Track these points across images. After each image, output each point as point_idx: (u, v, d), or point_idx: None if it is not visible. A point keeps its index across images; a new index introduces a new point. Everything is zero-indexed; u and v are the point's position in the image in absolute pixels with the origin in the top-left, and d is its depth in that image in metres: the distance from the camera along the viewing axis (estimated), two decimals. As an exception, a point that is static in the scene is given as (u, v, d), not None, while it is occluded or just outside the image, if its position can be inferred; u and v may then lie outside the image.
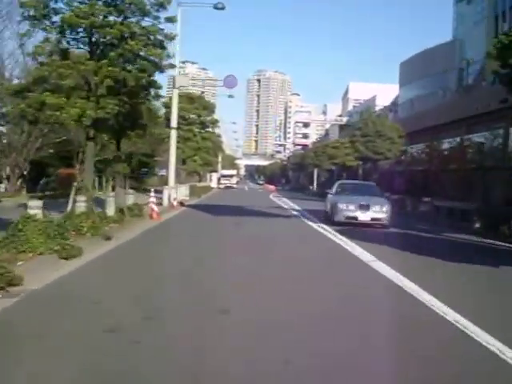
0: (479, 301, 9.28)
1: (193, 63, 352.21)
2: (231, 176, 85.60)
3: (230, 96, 59.03)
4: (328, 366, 5.50)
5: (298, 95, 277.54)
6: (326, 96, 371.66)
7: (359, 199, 23.52)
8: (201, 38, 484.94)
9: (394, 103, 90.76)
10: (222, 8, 33.01)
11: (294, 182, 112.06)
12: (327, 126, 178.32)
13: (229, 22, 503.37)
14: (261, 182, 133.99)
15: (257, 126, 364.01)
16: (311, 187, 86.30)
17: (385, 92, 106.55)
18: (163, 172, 54.02)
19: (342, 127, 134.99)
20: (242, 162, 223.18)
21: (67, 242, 11.44)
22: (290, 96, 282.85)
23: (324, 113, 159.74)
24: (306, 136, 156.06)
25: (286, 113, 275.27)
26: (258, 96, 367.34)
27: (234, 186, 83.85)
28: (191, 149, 55.54)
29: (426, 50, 73.94)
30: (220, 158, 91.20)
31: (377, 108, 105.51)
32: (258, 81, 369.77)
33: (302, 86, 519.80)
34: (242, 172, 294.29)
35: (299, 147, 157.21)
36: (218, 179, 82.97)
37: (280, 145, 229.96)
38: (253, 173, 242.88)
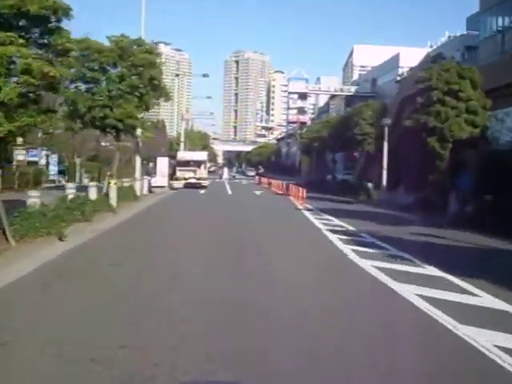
0: None
1: (166, 44, 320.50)
2: (197, 164, 45.90)
3: (205, 75, 61.76)
4: None
5: (282, 73, 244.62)
6: (315, 72, 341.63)
7: None
8: (175, 18, 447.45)
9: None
10: None
11: (310, 173, 76.45)
12: (319, 101, 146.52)
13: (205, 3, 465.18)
14: (251, 174, 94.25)
15: (235, 110, 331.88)
16: (370, 187, 39.34)
17: (405, 54, 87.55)
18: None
19: (347, 99, 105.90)
20: (220, 148, 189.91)
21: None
22: (273, 74, 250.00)
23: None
24: (302, 110, 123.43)
25: (268, 93, 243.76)
26: (237, 79, 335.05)
27: (204, 183, 45.33)
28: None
29: None
30: (182, 129, 58.22)
31: (400, 71, 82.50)
32: (237, 62, 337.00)
33: (286, 64, 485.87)
34: (220, 160, 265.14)
35: (294, 126, 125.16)
36: (173, 170, 46.22)
37: (264, 127, 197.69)
38: (233, 160, 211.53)
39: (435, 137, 25.40)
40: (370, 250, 13.46)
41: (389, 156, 35.52)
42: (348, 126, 44.62)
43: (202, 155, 47.59)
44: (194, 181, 44.27)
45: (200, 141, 78.05)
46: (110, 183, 23.93)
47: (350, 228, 18.52)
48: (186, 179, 44.09)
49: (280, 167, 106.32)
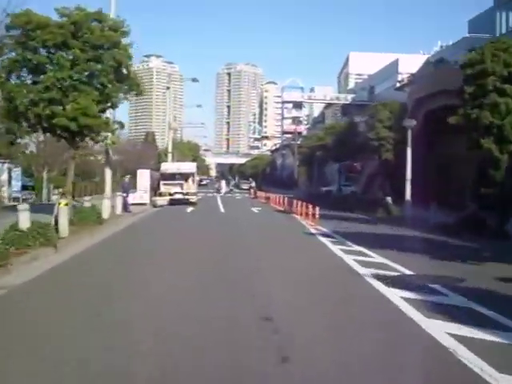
0: None
1: (158, 57, 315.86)
2: (185, 177, 39.32)
3: (194, 80, 59.57)
4: None
5: (275, 84, 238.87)
6: (309, 82, 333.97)
7: None
8: (166, 30, 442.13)
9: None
10: None
11: (310, 185, 69.74)
12: (314, 111, 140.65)
13: (197, 14, 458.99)
14: (245, 187, 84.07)
15: (228, 123, 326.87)
16: (389, 201, 32.43)
17: (404, 60, 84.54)
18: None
19: (344, 108, 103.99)
20: (213, 161, 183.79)
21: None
22: (265, 85, 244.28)
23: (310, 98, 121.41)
24: (297, 120, 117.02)
25: (261, 104, 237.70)
26: (229, 91, 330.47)
27: (192, 198, 38.67)
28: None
29: None
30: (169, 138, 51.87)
31: (400, 77, 77.79)
32: (229, 74, 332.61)
33: (279, 75, 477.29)
34: (213, 173, 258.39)
35: (289, 136, 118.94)
36: (157, 184, 38.70)
37: (256, 139, 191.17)
38: (225, 173, 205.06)
39: (491, 137, 18.98)
40: (495, 339, 6.92)
41: (412, 165, 29.19)
42: (355, 132, 38.53)
43: (189, 167, 40.86)
44: (180, 196, 37.69)
45: (190, 151, 71.59)
46: (60, 204, 17.45)
47: (406, 271, 12.01)
48: (171, 195, 37.53)
49: (275, 180, 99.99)
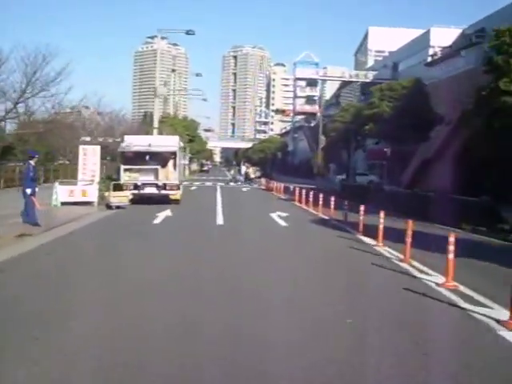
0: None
1: (162, 38, 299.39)
2: (161, 159, 23.70)
3: (198, 74, 63.65)
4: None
5: (283, 65, 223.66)
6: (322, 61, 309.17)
7: None
8: (171, 11, 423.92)
9: None
10: None
11: (333, 174, 53.54)
12: (327, 92, 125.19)
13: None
14: (252, 176, 65.31)
15: (233, 107, 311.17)
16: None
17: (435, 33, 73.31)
18: None
19: (364, 87, 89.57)
20: (217, 145, 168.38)
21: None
22: (273, 67, 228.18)
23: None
24: (311, 100, 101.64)
25: (268, 87, 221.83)
26: (235, 74, 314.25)
27: (174, 194, 23.33)
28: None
29: None
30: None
31: (431, 51, 70.30)
32: (235, 58, 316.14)
33: (288, 57, 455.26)
34: (217, 158, 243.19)
35: (301, 118, 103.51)
36: (117, 171, 25.07)
37: (264, 123, 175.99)
38: (230, 159, 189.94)
39: None
40: None
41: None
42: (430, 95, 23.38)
43: (169, 143, 24.69)
44: (152, 190, 22.58)
45: (185, 130, 56.48)
46: None
47: None
48: (137, 187, 22.46)
49: (288, 166, 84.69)
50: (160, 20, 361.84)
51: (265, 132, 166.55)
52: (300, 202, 26.00)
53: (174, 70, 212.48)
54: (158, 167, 22.82)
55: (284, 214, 20.22)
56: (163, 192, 22.62)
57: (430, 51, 78.02)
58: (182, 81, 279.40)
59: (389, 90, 28.06)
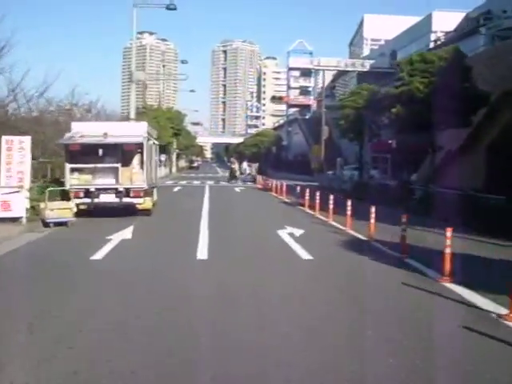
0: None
1: (151, 34, 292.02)
2: (120, 154, 16.56)
3: (184, 62, 52.27)
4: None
5: (274, 59, 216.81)
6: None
7: None
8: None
9: None
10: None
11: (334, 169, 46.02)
12: (319, 82, 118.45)
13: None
14: (247, 171, 58.51)
15: (224, 102, 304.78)
16: None
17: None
18: None
19: (361, 77, 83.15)
20: (207, 140, 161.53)
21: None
22: (264, 61, 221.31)
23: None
24: (305, 91, 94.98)
25: (259, 81, 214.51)
26: (225, 69, 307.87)
27: (141, 202, 16.27)
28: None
29: None
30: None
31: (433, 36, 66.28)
32: (224, 52, 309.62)
33: (277, 52, 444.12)
34: (208, 154, 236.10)
35: (295, 110, 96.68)
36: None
37: (256, 117, 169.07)
38: (221, 154, 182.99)
39: None
40: None
41: None
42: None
43: (133, 131, 17.09)
44: (111, 198, 15.73)
45: (170, 122, 49.66)
46: None
47: None
48: (89, 195, 15.81)
49: (282, 162, 77.87)
50: (149, 15, 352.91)
51: (256, 127, 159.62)
52: (312, 208, 19.39)
53: (164, 66, 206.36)
54: (118, 166, 16.11)
55: (298, 232, 13.64)
56: (126, 200, 15.91)
57: (432, 36, 72.27)
58: (172, 74, 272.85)
59: (422, 61, 21.48)
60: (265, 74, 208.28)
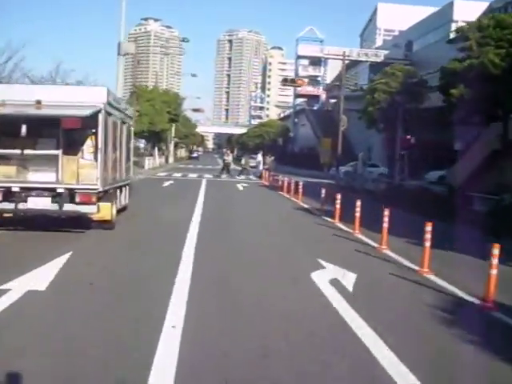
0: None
1: (156, 20, 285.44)
2: (67, 136, 10.57)
3: (185, 40, 42.56)
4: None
5: (281, 49, 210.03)
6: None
7: None
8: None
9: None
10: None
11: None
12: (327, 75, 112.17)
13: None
14: (252, 164, 47.00)
15: (227, 92, 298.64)
16: None
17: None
18: None
19: (373, 68, 74.28)
20: (209, 130, 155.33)
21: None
22: (270, 50, 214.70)
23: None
24: (314, 81, 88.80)
25: (264, 71, 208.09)
26: (230, 59, 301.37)
27: (93, 211, 10.36)
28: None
29: None
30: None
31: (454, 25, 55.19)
32: (230, 42, 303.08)
33: (284, 42, 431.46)
34: (210, 145, 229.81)
35: (302, 100, 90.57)
36: None
37: (260, 108, 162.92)
38: (223, 145, 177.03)
39: None
40: None
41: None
42: None
43: (82, 99, 10.30)
44: (47, 203, 9.97)
45: (166, 106, 43.68)
46: None
47: None
48: (9, 196, 9.94)
49: (288, 155, 71.75)
50: (154, 1, 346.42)
51: (260, 118, 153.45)
52: (347, 222, 13.53)
53: (167, 54, 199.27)
54: (59, 153, 10.18)
55: (348, 278, 7.73)
56: (68, 208, 10.02)
57: (453, 26, 66.45)
58: (176, 62, 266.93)
59: (497, 26, 15.56)
60: (270, 64, 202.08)
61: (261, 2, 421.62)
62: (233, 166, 40.55)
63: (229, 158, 38.03)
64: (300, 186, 22.11)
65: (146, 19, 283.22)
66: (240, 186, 28.10)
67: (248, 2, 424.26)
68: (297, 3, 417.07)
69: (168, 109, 44.28)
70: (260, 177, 36.68)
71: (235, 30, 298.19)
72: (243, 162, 38.60)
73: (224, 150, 70.32)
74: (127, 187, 13.80)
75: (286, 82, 39.50)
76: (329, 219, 15.22)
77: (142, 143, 15.30)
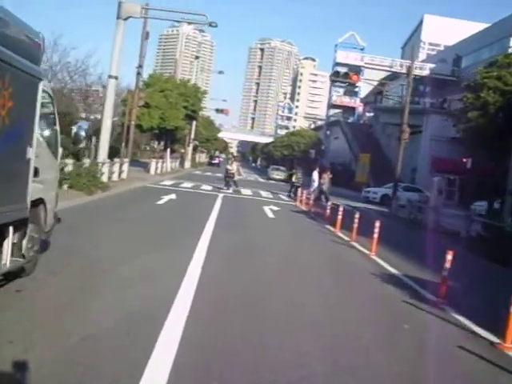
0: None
1: (189, 23, 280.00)
2: None
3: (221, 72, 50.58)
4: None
5: (314, 60, 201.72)
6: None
7: None
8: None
9: None
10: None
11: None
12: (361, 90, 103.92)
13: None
14: (278, 176, 46.98)
15: (255, 101, 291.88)
16: None
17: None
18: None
19: (418, 82, 62.71)
20: (234, 137, 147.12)
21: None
22: (302, 61, 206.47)
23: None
24: (351, 91, 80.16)
25: (295, 81, 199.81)
26: (260, 67, 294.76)
27: None
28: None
29: None
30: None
31: None
32: (262, 50, 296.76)
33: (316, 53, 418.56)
34: (235, 153, 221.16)
35: (336, 112, 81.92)
36: None
37: (287, 118, 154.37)
38: (247, 154, 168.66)
39: None
40: None
41: None
42: None
43: None
44: None
45: (183, 100, 35.35)
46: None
47: None
48: None
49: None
50: (187, 5, 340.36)
51: (287, 128, 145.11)
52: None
53: (197, 57, 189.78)
54: None
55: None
56: None
57: (512, 41, 58.01)
58: (206, 65, 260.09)
59: None
60: (302, 74, 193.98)
61: (295, 12, 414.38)
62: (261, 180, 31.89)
63: (233, 168, 28.89)
64: (356, 218, 13.78)
65: (178, 21, 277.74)
66: (268, 211, 19.47)
67: (282, 12, 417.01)
68: (332, 15, 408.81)
69: (185, 103, 36.00)
70: (291, 195, 28.21)
71: (268, 38, 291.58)
72: (294, 178, 28.99)
73: (230, 156, 61.68)
74: (26, 227, 5.54)
75: (337, 75, 30.61)
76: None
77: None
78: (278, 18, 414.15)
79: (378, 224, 12.27)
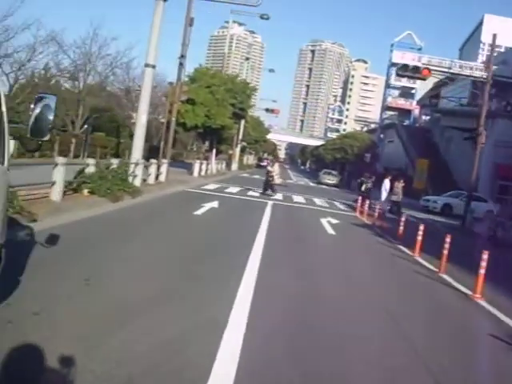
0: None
1: (240, 24, 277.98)
2: None
3: (271, 70, 50.47)
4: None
5: (366, 62, 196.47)
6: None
7: None
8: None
9: None
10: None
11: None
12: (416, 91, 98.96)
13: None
14: (330, 181, 45.06)
15: (305, 103, 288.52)
16: None
17: None
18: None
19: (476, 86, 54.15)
20: (282, 139, 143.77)
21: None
22: (354, 63, 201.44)
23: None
24: (407, 93, 75.86)
25: (346, 84, 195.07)
26: (311, 70, 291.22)
27: None
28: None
29: None
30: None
31: None
32: (312, 52, 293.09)
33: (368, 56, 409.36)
34: (282, 155, 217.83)
35: (391, 114, 77.62)
36: None
37: (338, 120, 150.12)
38: (295, 157, 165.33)
39: None
40: None
41: None
42: None
43: None
44: None
45: (230, 96, 32.47)
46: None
47: None
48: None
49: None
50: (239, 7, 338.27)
51: (337, 131, 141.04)
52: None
53: (247, 59, 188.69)
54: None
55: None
56: None
57: None
58: (256, 66, 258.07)
59: None
60: (353, 76, 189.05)
61: (347, 14, 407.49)
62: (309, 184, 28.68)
63: (274, 170, 25.06)
64: (446, 242, 10.45)
65: (228, 22, 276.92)
66: (327, 224, 16.22)
67: (334, 14, 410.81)
68: (386, 17, 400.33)
69: (233, 100, 33.05)
70: (353, 203, 24.93)
71: (319, 40, 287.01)
72: (363, 188, 25.05)
73: (266, 156, 57.74)
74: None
75: (405, 69, 26.89)
76: None
77: (50, 108, 6.75)
78: (329, 20, 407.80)
79: (484, 256, 8.84)
